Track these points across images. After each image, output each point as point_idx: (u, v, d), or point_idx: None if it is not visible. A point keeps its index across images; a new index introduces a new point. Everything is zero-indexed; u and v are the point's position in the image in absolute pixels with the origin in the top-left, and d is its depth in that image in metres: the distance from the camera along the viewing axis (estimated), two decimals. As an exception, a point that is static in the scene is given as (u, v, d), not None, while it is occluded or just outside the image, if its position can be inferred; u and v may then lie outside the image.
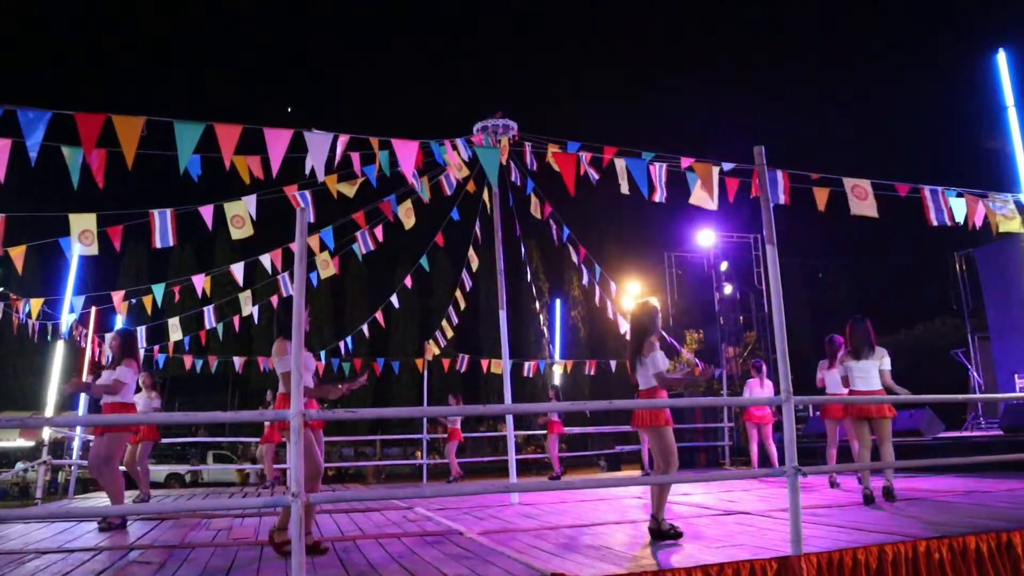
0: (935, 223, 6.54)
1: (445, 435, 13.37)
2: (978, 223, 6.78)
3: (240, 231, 6.42)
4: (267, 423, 12.17)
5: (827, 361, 8.21)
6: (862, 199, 5.92)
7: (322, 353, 14.31)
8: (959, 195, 6.73)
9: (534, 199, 9.45)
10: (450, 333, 12.54)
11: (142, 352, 12.56)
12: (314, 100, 52.56)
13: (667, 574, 3.80)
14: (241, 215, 6.41)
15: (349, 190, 7.20)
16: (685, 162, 6.31)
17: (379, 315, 12.68)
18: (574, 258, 10.51)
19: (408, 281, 11.77)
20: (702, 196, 6.04)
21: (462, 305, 11.54)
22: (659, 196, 6.42)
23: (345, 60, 57.34)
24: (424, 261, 11.04)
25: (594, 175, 6.89)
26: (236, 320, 11.84)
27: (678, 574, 3.80)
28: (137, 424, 8.25)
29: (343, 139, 5.49)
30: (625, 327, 13.06)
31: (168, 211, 6.55)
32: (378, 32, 59.22)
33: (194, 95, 49.56)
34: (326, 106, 51.34)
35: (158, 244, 6.58)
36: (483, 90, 52.42)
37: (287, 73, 57.56)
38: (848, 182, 5.96)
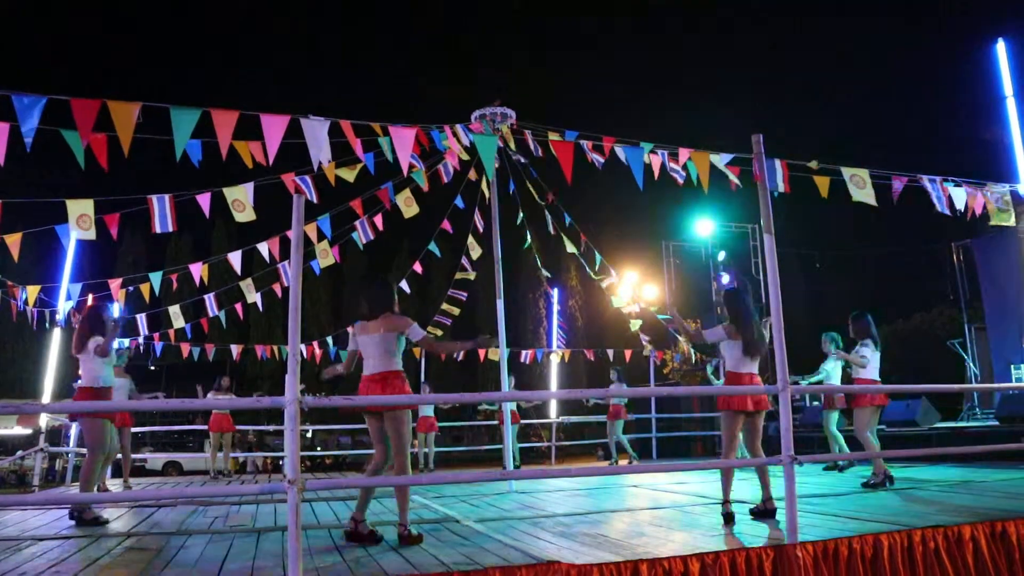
0: (939, 209, 6.53)
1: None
2: (977, 211, 6.77)
3: (242, 215, 6.39)
4: (216, 412, 11.82)
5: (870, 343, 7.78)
6: (860, 188, 5.92)
7: (329, 339, 14.29)
8: (957, 185, 6.72)
9: (533, 189, 9.44)
10: (456, 311, 12.43)
11: (141, 340, 12.58)
12: (312, 91, 52.36)
13: (663, 562, 3.81)
14: (241, 199, 6.38)
15: (349, 175, 7.17)
16: (683, 152, 6.30)
17: None
18: (570, 248, 10.48)
19: (418, 267, 11.69)
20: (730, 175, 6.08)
21: (472, 275, 11.27)
22: (680, 178, 6.43)
23: (344, 50, 57.11)
24: (434, 246, 10.98)
25: (599, 159, 6.86)
26: (239, 308, 11.84)
27: (674, 563, 3.81)
28: (133, 411, 8.24)
29: (348, 129, 5.46)
30: (626, 312, 13.07)
31: (167, 197, 6.52)
32: (377, 22, 58.97)
33: (194, 86, 49.36)
34: (323, 97, 51.14)
35: (158, 229, 6.54)
36: (480, 80, 52.23)
37: (287, 64, 57.32)
38: (846, 172, 5.95)
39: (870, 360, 7.31)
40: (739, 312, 5.43)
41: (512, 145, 8.41)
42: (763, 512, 5.28)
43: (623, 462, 12.96)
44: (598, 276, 11.25)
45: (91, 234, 6.14)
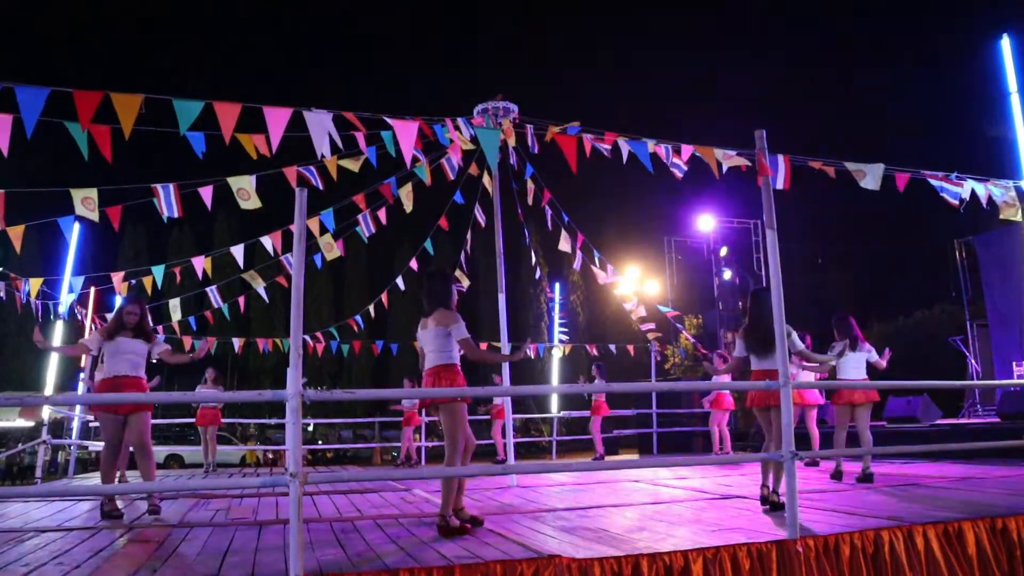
0: (950, 200, 6.50)
1: (400, 418, 13.25)
2: (984, 203, 6.74)
3: (247, 203, 6.40)
4: (204, 406, 11.54)
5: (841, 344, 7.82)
6: (861, 178, 5.93)
7: (334, 330, 14.33)
8: (960, 180, 6.70)
9: (531, 185, 9.43)
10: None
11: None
12: (310, 83, 52.29)
13: (664, 557, 3.81)
14: (246, 188, 6.39)
15: (353, 165, 7.17)
16: (686, 149, 6.28)
17: (384, 296, 12.62)
18: (565, 246, 10.49)
19: (413, 263, 11.69)
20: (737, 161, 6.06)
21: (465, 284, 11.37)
22: (679, 172, 6.41)
23: (344, 43, 57.03)
24: (428, 244, 10.99)
25: (604, 147, 6.83)
26: (242, 301, 11.85)
27: (675, 557, 3.82)
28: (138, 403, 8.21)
29: (352, 119, 5.46)
30: (633, 307, 13.10)
31: (171, 185, 6.53)
32: (376, 14, 58.86)
33: (194, 76, 49.30)
34: (322, 89, 51.07)
35: (164, 213, 6.54)
36: (482, 73, 52.14)
37: (287, 54, 57.24)
38: (850, 166, 5.95)
39: (834, 362, 7.51)
40: (750, 312, 5.75)
41: (513, 140, 8.39)
42: (777, 504, 5.40)
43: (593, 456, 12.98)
44: (604, 276, 11.25)
45: (95, 215, 6.16)
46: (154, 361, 6.33)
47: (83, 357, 11.04)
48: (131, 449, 6.45)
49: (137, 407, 5.93)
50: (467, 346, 4.96)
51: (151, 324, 6.29)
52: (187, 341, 13.39)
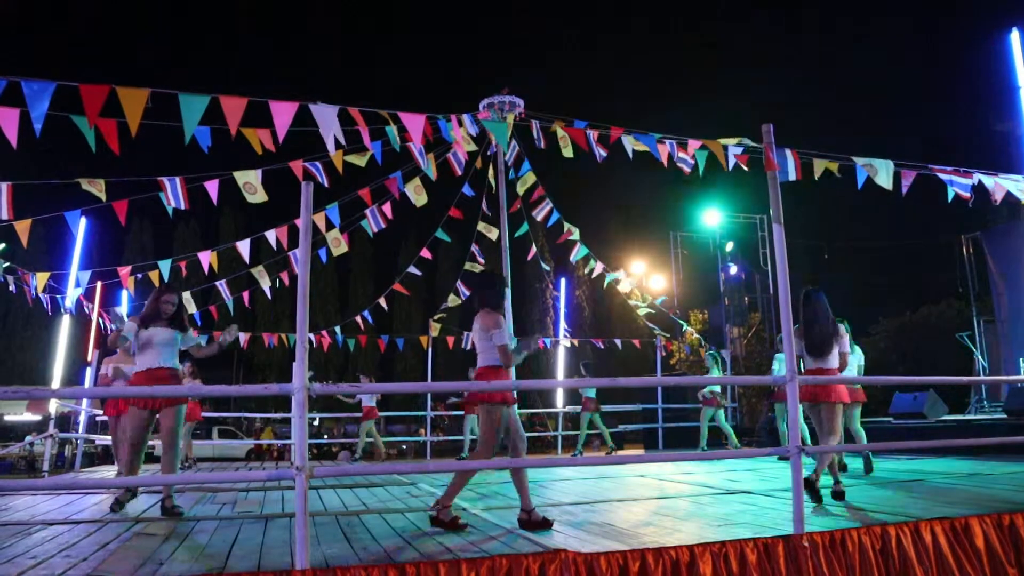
0: (962, 193, 6.46)
1: (459, 411, 13.17)
2: (997, 198, 6.69)
3: (254, 196, 6.41)
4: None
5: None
6: (875, 175, 5.90)
7: (337, 329, 14.34)
8: (967, 175, 6.65)
9: (522, 183, 9.43)
10: (457, 301, 12.43)
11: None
12: (312, 79, 52.29)
13: (670, 551, 3.81)
14: (252, 182, 6.41)
15: (359, 160, 7.18)
16: (692, 143, 6.26)
17: (398, 286, 12.61)
18: (538, 215, 10.49)
19: (426, 252, 11.66)
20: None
21: (478, 268, 11.33)
22: (687, 167, 6.41)
23: (346, 41, 57.00)
24: (442, 233, 10.98)
25: (602, 152, 6.82)
26: (246, 296, 11.87)
27: (681, 552, 3.81)
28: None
29: (357, 115, 5.45)
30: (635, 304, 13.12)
31: (178, 179, 6.55)
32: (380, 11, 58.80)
33: (194, 70, 49.32)
34: (324, 86, 51.07)
35: (172, 203, 6.56)
36: (486, 69, 52.03)
37: (286, 50, 57.23)
38: (860, 161, 5.92)
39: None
40: (804, 314, 5.95)
41: (533, 128, 8.39)
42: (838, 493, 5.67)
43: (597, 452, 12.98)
44: (597, 268, 11.31)
45: (102, 194, 6.21)
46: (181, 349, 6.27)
47: (90, 350, 11.07)
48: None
49: (172, 401, 5.85)
50: (502, 353, 4.96)
51: (187, 314, 6.23)
52: (193, 335, 13.40)
